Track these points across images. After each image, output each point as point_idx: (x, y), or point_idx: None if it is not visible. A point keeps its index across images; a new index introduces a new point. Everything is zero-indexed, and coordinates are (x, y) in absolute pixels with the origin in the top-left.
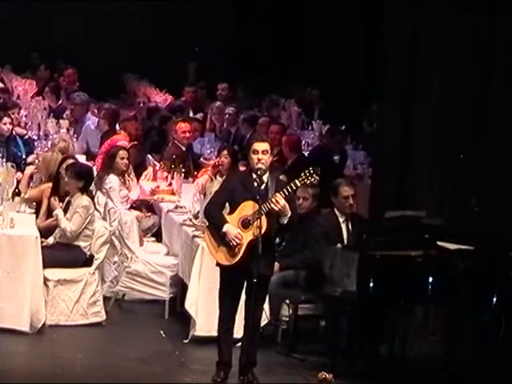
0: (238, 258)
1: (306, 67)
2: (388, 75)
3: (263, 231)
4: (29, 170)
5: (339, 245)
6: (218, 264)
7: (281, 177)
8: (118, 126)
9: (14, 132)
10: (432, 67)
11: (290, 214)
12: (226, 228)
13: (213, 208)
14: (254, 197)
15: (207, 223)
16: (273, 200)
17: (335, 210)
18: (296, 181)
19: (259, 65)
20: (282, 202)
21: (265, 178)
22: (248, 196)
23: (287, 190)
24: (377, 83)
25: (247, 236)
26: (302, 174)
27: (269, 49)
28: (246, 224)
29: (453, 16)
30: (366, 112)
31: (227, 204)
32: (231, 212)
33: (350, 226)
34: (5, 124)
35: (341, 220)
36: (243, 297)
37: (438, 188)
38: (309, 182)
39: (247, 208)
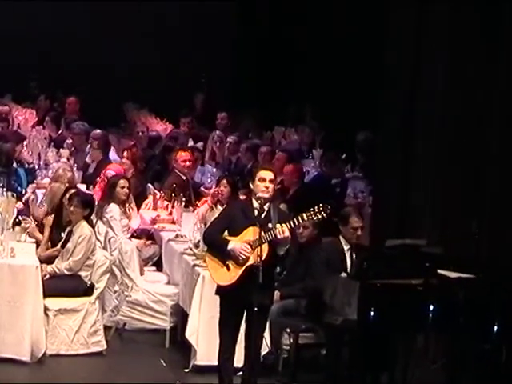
0: (236, 277)
1: (308, 95)
2: (388, 104)
3: (263, 259)
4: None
5: (343, 274)
6: (217, 293)
7: (281, 206)
8: (112, 155)
9: (14, 163)
10: (432, 96)
11: (288, 245)
12: (231, 245)
13: (213, 233)
14: (254, 224)
15: (207, 248)
16: (279, 230)
17: (341, 237)
18: (304, 215)
19: (260, 95)
20: (287, 233)
21: (265, 206)
22: (248, 223)
23: (294, 222)
24: (371, 112)
25: (249, 261)
26: (312, 210)
27: (269, 78)
28: None
29: (454, 39)
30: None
31: (226, 232)
32: (232, 237)
33: (353, 256)
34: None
35: (345, 248)
36: (243, 326)
37: (439, 216)
38: (316, 218)
39: (250, 233)
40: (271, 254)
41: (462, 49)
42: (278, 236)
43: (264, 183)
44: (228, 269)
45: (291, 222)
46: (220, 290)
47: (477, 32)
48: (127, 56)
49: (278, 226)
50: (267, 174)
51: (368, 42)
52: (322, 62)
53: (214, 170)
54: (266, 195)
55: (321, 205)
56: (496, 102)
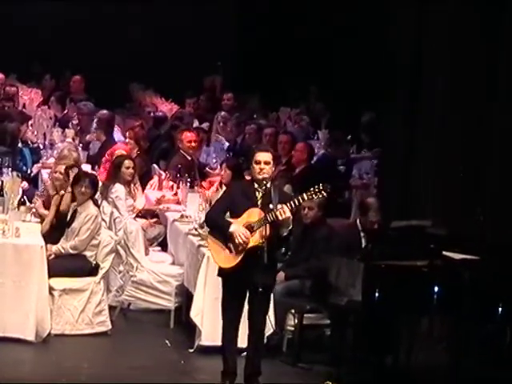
0: (238, 260)
1: (313, 77)
2: (394, 86)
3: (266, 240)
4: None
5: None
6: (219, 274)
7: (286, 186)
8: (116, 135)
9: (20, 143)
10: (436, 78)
11: (291, 226)
12: (233, 228)
13: (215, 214)
14: (255, 205)
15: (209, 230)
16: (280, 211)
17: (358, 223)
18: (304, 195)
19: (264, 76)
20: (288, 213)
21: (266, 187)
22: (249, 205)
23: (294, 202)
24: (377, 93)
25: (250, 242)
26: (311, 189)
27: (277, 58)
28: (249, 230)
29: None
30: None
31: (228, 213)
32: (234, 218)
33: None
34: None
35: (362, 234)
36: (246, 306)
37: (444, 197)
38: (316, 197)
39: (253, 215)
40: (273, 235)
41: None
42: (279, 217)
43: (259, 165)
44: (230, 251)
45: (292, 203)
46: (222, 272)
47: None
48: (133, 36)
49: (278, 206)
50: (262, 156)
51: (372, 24)
52: (328, 43)
53: (220, 150)
54: (260, 177)
55: (321, 184)
56: (501, 78)
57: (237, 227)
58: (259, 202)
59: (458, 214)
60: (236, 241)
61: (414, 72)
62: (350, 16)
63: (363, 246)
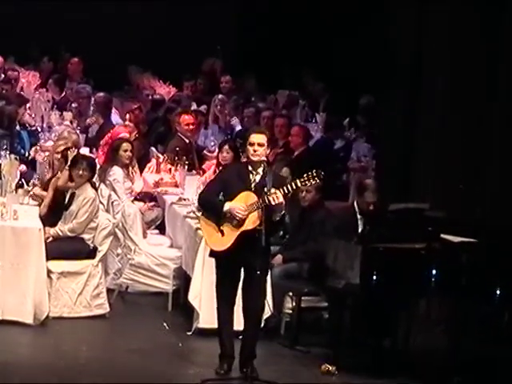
0: (230, 243)
1: (312, 59)
2: (394, 69)
3: (258, 223)
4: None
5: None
6: (211, 255)
7: (284, 169)
8: (114, 118)
9: (18, 126)
10: (437, 59)
11: (283, 211)
12: (227, 206)
13: (208, 195)
14: (249, 188)
15: (202, 212)
16: (273, 196)
17: (355, 205)
18: (298, 181)
19: (264, 58)
20: (281, 199)
21: (260, 170)
22: (243, 187)
23: (287, 188)
24: (371, 75)
25: (244, 226)
26: (305, 176)
27: (274, 43)
28: None
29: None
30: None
31: (221, 196)
32: (227, 201)
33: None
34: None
35: (358, 217)
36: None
37: (442, 180)
38: (310, 184)
39: (246, 198)
40: (266, 219)
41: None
42: (272, 202)
43: (253, 147)
44: (222, 234)
45: (285, 188)
46: (214, 254)
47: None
48: (132, 18)
49: (272, 191)
50: (256, 138)
51: (372, 24)
52: (326, 25)
53: (218, 133)
54: (254, 158)
55: (314, 171)
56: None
57: (231, 204)
58: (253, 185)
59: (457, 196)
60: (234, 216)
61: (414, 57)
62: (350, 16)
63: (360, 228)
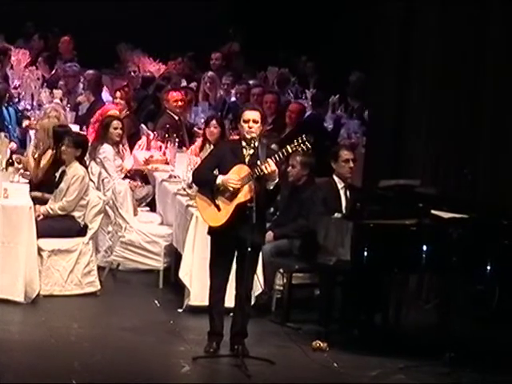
0: (226, 218)
1: (302, 37)
2: (382, 45)
3: (254, 195)
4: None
5: (338, 214)
6: (209, 232)
7: (273, 146)
8: (105, 96)
9: (3, 103)
10: (427, 36)
11: (277, 179)
12: (219, 179)
13: (201, 170)
14: (243, 162)
15: (198, 188)
16: (265, 164)
17: (334, 177)
18: (288, 147)
19: (255, 35)
20: (273, 166)
21: (253, 145)
22: (237, 163)
23: (278, 155)
24: (362, 53)
25: (237, 199)
26: (295, 141)
27: (265, 19)
28: None
29: None
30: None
31: (216, 172)
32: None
33: (348, 195)
34: None
35: (339, 187)
36: (234, 266)
37: (432, 156)
38: (300, 149)
39: (239, 170)
40: (261, 192)
41: None
42: (265, 170)
43: (248, 124)
44: (218, 209)
45: (276, 156)
46: (212, 230)
47: None
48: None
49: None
50: (250, 115)
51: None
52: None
53: (208, 110)
54: (249, 136)
55: (304, 135)
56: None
57: (223, 177)
58: (247, 160)
59: (448, 172)
60: (227, 186)
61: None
62: None
63: (343, 198)
